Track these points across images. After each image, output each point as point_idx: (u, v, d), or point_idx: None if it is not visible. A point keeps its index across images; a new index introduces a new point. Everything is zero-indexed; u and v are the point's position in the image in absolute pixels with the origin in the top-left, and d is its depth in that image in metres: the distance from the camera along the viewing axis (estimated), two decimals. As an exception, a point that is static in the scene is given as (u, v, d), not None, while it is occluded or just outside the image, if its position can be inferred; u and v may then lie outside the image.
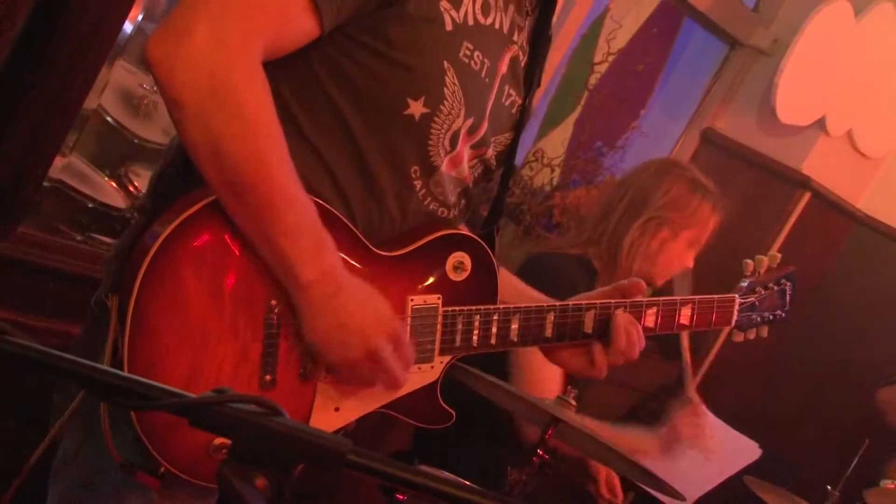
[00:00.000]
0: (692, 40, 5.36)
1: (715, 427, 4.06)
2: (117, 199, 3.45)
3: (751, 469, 4.12)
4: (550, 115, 4.96)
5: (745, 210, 4.88)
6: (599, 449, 3.23)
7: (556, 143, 5.03)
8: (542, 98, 4.79)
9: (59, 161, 3.16)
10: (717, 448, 4.06)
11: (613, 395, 4.70)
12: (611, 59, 5.05)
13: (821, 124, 5.27)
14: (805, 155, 5.34)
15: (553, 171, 4.85)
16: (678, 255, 3.68)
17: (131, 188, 3.51)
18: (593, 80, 5.05)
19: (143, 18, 3.30)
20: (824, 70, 5.14)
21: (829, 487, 4.15)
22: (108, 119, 3.43)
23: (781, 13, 5.33)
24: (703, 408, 3.78)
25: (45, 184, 3.14)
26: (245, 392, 1.77)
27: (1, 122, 2.82)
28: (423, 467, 3.09)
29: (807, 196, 5.39)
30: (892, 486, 4.76)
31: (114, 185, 3.49)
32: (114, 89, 3.39)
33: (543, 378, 3.38)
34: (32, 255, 3.09)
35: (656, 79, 5.33)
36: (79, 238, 3.32)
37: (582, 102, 5.07)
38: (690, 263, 3.72)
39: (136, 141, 3.53)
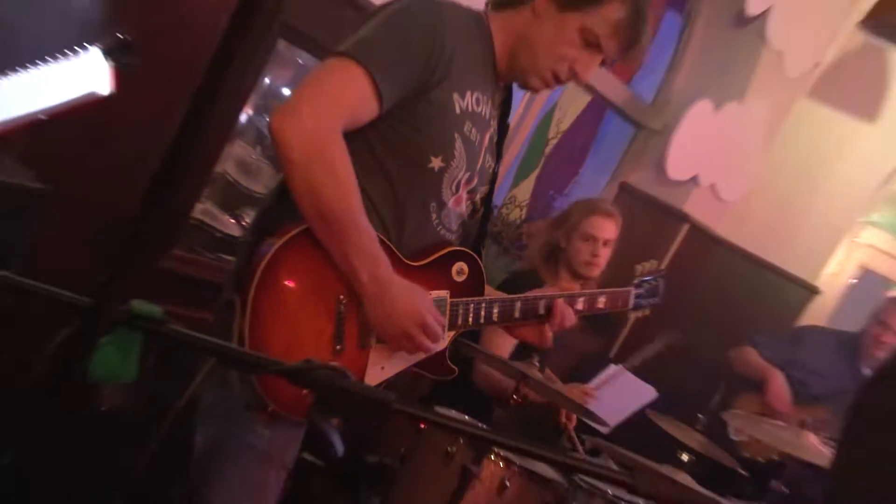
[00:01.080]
0: (612, 124, 5.39)
1: (627, 379, 4.08)
2: (235, 230, 3.49)
3: (650, 406, 4.13)
4: (520, 171, 5.01)
5: (645, 237, 4.91)
6: (552, 393, 3.25)
7: (525, 190, 5.08)
8: (514, 160, 4.83)
9: (198, 206, 3.22)
10: (627, 392, 4.08)
11: (563, 357, 4.71)
12: (560, 135, 5.09)
13: (695, 179, 5.30)
14: (685, 199, 5.37)
15: (522, 209, 4.89)
16: (572, 252, 3.77)
17: (243, 223, 3.56)
18: (548, 149, 5.08)
19: (253, 112, 3.35)
20: (697, 143, 5.17)
21: (699, 415, 4.13)
22: (229, 178, 3.50)
23: (668, 107, 5.34)
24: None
25: (191, 221, 3.22)
26: (322, 357, 1.91)
27: (171, 180, 2.84)
28: (437, 408, 3.14)
29: (686, 227, 5.42)
30: (737, 410, 4.76)
31: (232, 221, 3.54)
32: (233, 159, 3.45)
33: (502, 350, 3.41)
34: (181, 268, 3.16)
35: (589, 148, 5.36)
36: (210, 257, 3.37)
37: (541, 164, 5.10)
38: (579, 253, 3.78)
39: (246, 192, 3.59)
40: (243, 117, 3.30)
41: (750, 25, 5.05)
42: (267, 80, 3.61)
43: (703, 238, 5.60)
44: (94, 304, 1.11)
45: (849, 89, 5.71)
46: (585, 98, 5.13)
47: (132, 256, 1.02)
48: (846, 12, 5.34)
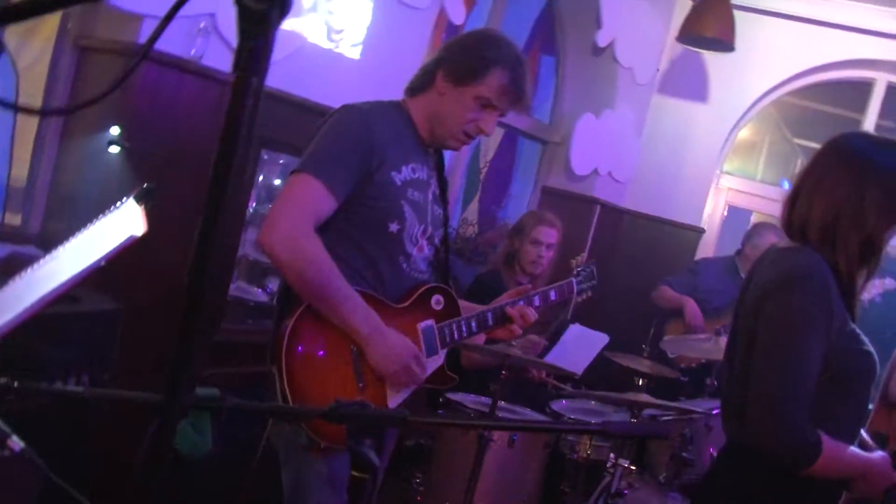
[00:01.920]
0: (524, 145, 5.35)
1: (585, 333, 4.02)
2: (264, 297, 3.38)
3: (606, 349, 4.08)
4: (465, 198, 4.94)
5: (571, 223, 4.85)
6: (528, 362, 3.20)
7: (473, 211, 5.01)
8: (459, 190, 4.76)
9: (232, 286, 3.12)
10: (587, 342, 4.02)
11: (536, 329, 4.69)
12: (487, 164, 5.03)
13: (596, 171, 5.25)
14: (592, 188, 5.31)
15: (474, 226, 4.82)
16: (523, 254, 3.70)
17: (269, 290, 3.43)
18: (482, 175, 5.03)
19: (256, 203, 3.25)
20: (590, 145, 5.13)
21: (644, 346, 4.11)
22: (249, 258, 3.38)
23: (562, 123, 5.28)
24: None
25: (228, 300, 3.10)
26: (350, 396, 1.87)
27: (203, 274, 2.76)
28: (449, 394, 3.05)
29: (598, 207, 5.37)
30: (668, 337, 4.71)
31: (260, 290, 3.42)
32: (249, 242, 3.34)
33: (476, 339, 3.34)
34: (232, 337, 3.05)
35: (512, 167, 5.30)
36: (251, 322, 3.27)
37: (479, 188, 5.04)
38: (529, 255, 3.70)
39: (265, 266, 3.45)
40: (250, 209, 3.21)
41: (604, 53, 5.05)
42: (261, 177, 3.54)
43: (612, 213, 5.57)
44: (166, 400, 1.06)
45: (683, 83, 5.73)
46: (500, 131, 5.06)
47: (187, 349, 0.96)
48: (667, 32, 5.51)
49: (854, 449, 1.84)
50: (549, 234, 3.72)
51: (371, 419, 1.12)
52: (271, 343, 2.01)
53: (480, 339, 3.32)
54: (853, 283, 1.82)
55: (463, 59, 2.12)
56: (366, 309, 2.02)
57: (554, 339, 3.85)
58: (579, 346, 3.92)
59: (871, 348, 1.84)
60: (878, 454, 1.89)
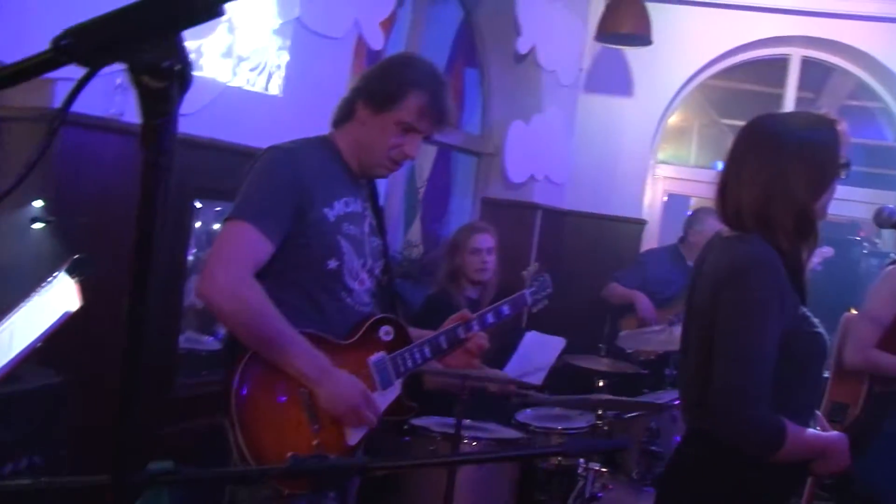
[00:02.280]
0: (459, 159, 5.38)
1: (541, 339, 4.04)
2: (216, 345, 3.29)
3: (564, 352, 4.09)
4: (407, 220, 4.94)
5: (514, 231, 4.89)
6: (488, 380, 3.21)
7: (416, 232, 5.01)
8: (399, 214, 4.76)
9: (181, 337, 3.07)
10: (543, 349, 4.03)
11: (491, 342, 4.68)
12: (425, 183, 5.05)
13: (532, 177, 5.28)
14: (532, 193, 5.34)
15: (418, 247, 4.82)
16: (467, 266, 3.71)
17: (220, 336, 3.36)
18: (420, 195, 5.03)
19: (196, 250, 3.20)
20: (523, 151, 5.16)
21: (601, 344, 4.13)
22: (197, 307, 3.30)
23: (493, 134, 5.31)
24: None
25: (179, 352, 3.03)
26: (307, 438, 1.99)
27: (139, 342, 2.71)
28: (414, 420, 3.03)
29: (540, 212, 5.40)
30: (623, 332, 4.75)
31: (211, 338, 3.33)
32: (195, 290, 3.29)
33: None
34: (189, 390, 2.98)
35: (449, 183, 5.32)
36: (204, 372, 3.18)
37: (419, 208, 5.04)
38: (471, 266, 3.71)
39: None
40: (190, 257, 3.16)
41: (527, 59, 5.09)
42: (199, 224, 3.49)
43: (554, 216, 5.61)
44: (114, 484, 1.01)
45: (607, 79, 5.82)
46: (433, 149, 5.08)
47: (130, 426, 0.93)
48: (586, 31, 5.59)
49: (813, 431, 1.87)
50: (485, 240, 3.76)
51: (330, 471, 1.08)
52: (222, 395, 1.98)
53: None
54: (799, 262, 1.85)
55: (380, 86, 2.13)
56: (312, 352, 2.00)
57: (510, 348, 3.86)
58: (537, 353, 3.94)
59: (822, 329, 1.88)
60: (835, 434, 1.92)
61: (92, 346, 2.54)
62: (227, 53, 2.88)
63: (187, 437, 2.63)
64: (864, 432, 2.83)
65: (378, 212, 2.30)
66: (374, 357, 2.15)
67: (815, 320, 1.88)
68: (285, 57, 3.14)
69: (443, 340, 2.29)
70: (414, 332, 2.30)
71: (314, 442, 2.01)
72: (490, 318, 2.40)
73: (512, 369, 3.83)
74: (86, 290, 2.47)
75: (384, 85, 2.12)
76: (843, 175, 1.88)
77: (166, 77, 0.70)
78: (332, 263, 2.07)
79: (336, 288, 2.10)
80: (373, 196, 2.30)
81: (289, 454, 1.93)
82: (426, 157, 5.04)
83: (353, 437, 2.08)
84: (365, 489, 3.70)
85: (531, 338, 4.04)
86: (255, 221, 1.96)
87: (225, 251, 1.96)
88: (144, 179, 0.75)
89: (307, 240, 2.04)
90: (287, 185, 2.01)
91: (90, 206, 2.51)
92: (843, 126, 1.92)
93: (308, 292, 2.07)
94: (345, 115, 2.19)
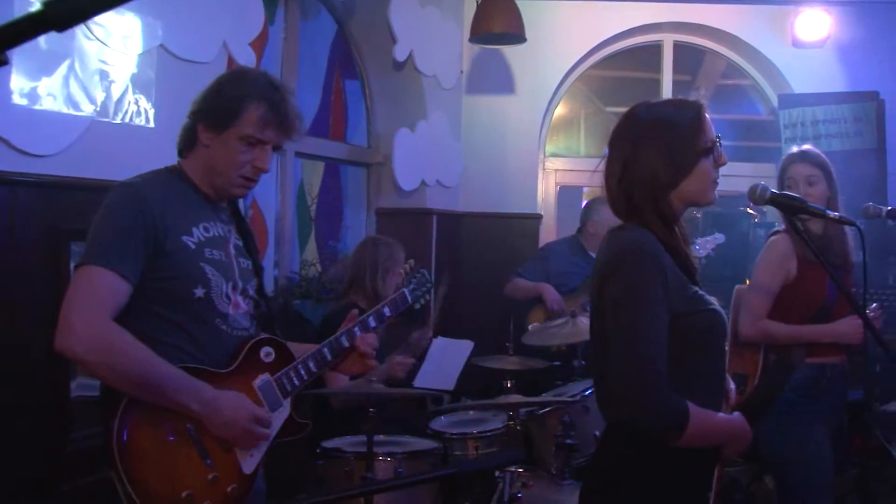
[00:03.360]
0: (348, 172, 5.34)
1: (448, 344, 4.05)
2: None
3: (472, 354, 4.12)
4: (300, 240, 4.87)
5: (411, 238, 4.87)
6: (395, 394, 3.19)
7: (311, 251, 4.95)
8: (292, 235, 4.70)
9: (73, 383, 2.94)
10: (452, 353, 4.05)
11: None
12: (315, 200, 4.99)
13: (424, 183, 5.31)
14: (425, 199, 5.37)
15: (315, 265, 4.77)
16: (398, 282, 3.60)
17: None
18: (312, 213, 4.98)
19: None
20: (411, 158, 5.19)
21: (508, 343, 4.15)
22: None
23: (380, 143, 5.32)
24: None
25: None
26: (201, 475, 1.97)
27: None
28: (324, 442, 2.99)
29: (435, 217, 5.41)
30: (531, 326, 4.81)
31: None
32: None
33: (341, 379, 3.30)
34: (86, 442, 2.86)
35: (340, 198, 5.28)
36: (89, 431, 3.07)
37: (313, 226, 4.99)
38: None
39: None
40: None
41: (406, 66, 5.12)
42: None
43: (449, 219, 5.65)
44: None
45: (489, 79, 5.90)
46: (320, 165, 5.04)
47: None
48: (461, 34, 5.65)
49: (718, 414, 1.90)
50: (402, 256, 3.75)
51: None
52: (105, 447, 1.92)
53: (345, 378, 3.31)
54: (677, 245, 1.90)
55: (214, 105, 2.10)
56: (192, 383, 1.97)
57: (420, 355, 3.86)
58: (446, 358, 3.97)
59: (717, 306, 1.93)
60: (735, 414, 1.97)
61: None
62: (86, 87, 2.80)
63: (87, 493, 2.53)
64: (763, 400, 2.95)
65: (245, 232, 2.27)
66: (259, 380, 2.13)
67: (710, 298, 1.92)
68: (152, 86, 3.06)
69: (327, 352, 2.27)
70: (295, 347, 2.27)
71: (209, 476, 1.98)
72: (372, 322, 2.39)
73: (423, 376, 3.84)
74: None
75: (220, 103, 2.10)
76: (710, 156, 1.91)
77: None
78: (199, 292, 2.03)
79: (208, 316, 2.06)
80: (237, 217, 2.27)
81: (183, 493, 1.91)
82: (314, 172, 4.99)
83: (249, 464, 2.06)
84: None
85: (439, 342, 4.06)
86: (108, 264, 1.91)
87: (79, 299, 1.89)
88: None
89: (168, 272, 2.00)
90: (137, 221, 1.96)
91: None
92: (704, 104, 1.96)
93: (180, 326, 2.03)
94: (188, 142, 2.15)
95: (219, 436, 1.99)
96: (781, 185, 3.05)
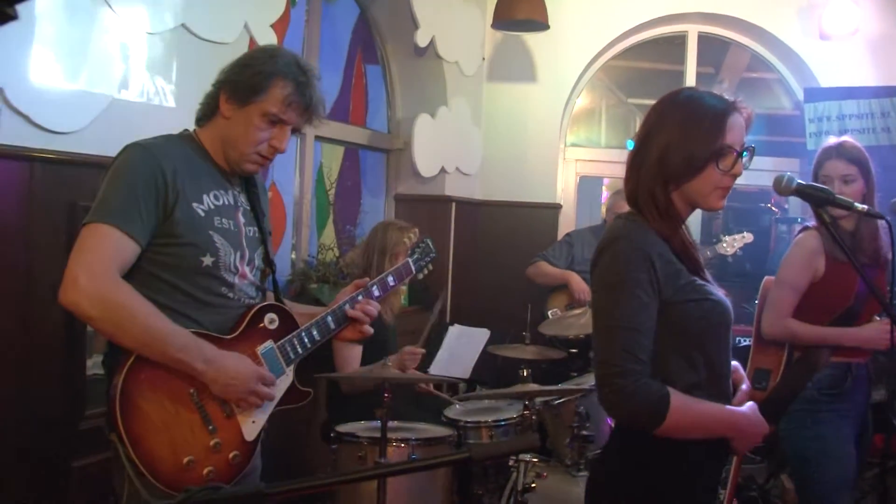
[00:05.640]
0: (368, 158, 5.31)
1: (465, 332, 4.03)
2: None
3: (488, 343, 4.09)
4: (318, 224, 4.85)
5: (429, 226, 4.86)
6: (409, 379, 3.21)
7: (329, 235, 4.93)
8: (311, 219, 4.69)
9: (89, 362, 2.94)
10: (469, 341, 4.02)
11: (413, 341, 4.66)
12: (334, 184, 4.97)
13: (443, 170, 5.28)
14: (444, 186, 5.34)
15: (333, 249, 4.75)
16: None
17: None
18: (331, 198, 4.96)
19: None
20: (432, 145, 5.14)
21: (524, 333, 4.13)
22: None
23: (400, 130, 5.30)
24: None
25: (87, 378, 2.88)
26: (202, 441, 1.95)
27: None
28: (339, 426, 2.99)
29: (453, 205, 5.40)
30: (551, 312, 4.77)
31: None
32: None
33: (352, 360, 3.29)
34: (94, 419, 2.86)
35: (359, 183, 5.26)
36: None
37: (331, 211, 4.98)
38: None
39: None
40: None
41: (427, 52, 5.08)
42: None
43: (467, 207, 5.63)
44: None
45: (510, 67, 5.85)
46: (340, 149, 5.02)
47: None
48: (484, 20, 5.60)
49: (711, 403, 1.82)
50: (415, 238, 3.69)
51: (227, 501, 1.01)
52: (106, 408, 1.90)
53: (356, 354, 3.30)
54: (675, 238, 1.84)
55: (242, 77, 2.07)
56: (195, 341, 1.94)
57: (434, 343, 3.84)
58: (462, 346, 3.94)
59: (719, 296, 1.86)
60: (747, 404, 1.91)
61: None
62: (107, 65, 2.78)
63: (101, 469, 2.52)
64: (785, 397, 2.90)
65: (253, 197, 2.23)
66: (262, 347, 2.11)
67: (713, 289, 1.86)
68: (172, 66, 3.04)
69: (330, 321, 2.24)
70: (299, 311, 2.25)
71: (211, 443, 1.96)
72: (376, 291, 2.37)
73: (438, 364, 3.81)
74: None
75: (247, 76, 2.07)
76: (724, 160, 1.81)
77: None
78: (207, 259, 2.01)
79: (214, 285, 2.04)
80: (249, 187, 2.24)
81: (185, 459, 1.89)
82: (333, 156, 4.97)
83: (250, 431, 2.05)
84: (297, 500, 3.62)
85: (455, 331, 4.04)
86: (117, 222, 1.88)
87: (85, 254, 1.86)
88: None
89: (177, 238, 1.97)
90: (148, 182, 1.93)
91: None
92: (743, 108, 1.86)
93: (186, 293, 2.01)
94: (209, 111, 2.13)
95: (222, 395, 1.97)
96: (816, 180, 2.92)
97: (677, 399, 1.73)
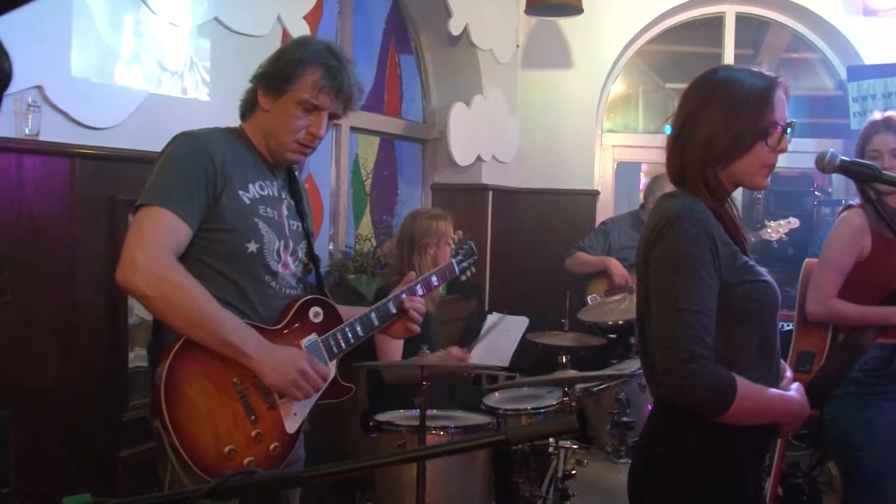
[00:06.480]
0: (404, 148, 5.32)
1: (504, 320, 4.01)
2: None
3: (527, 331, 4.07)
4: (356, 214, 4.87)
5: (467, 214, 4.85)
6: (447, 367, 3.20)
7: (366, 226, 4.95)
8: (348, 210, 4.70)
9: (130, 355, 2.98)
10: (507, 329, 4.00)
11: (453, 328, 4.67)
12: (370, 175, 4.98)
13: (479, 158, 5.26)
14: (480, 175, 5.33)
15: (370, 240, 4.76)
16: (443, 256, 3.52)
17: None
18: (367, 188, 4.97)
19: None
20: (467, 134, 5.14)
21: (563, 320, 4.10)
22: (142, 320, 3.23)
23: (435, 119, 5.30)
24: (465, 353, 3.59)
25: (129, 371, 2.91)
26: (245, 430, 1.95)
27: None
28: (378, 415, 3.00)
29: (490, 193, 5.38)
30: (591, 297, 4.73)
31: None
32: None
33: (393, 353, 3.29)
34: (136, 411, 2.90)
35: (395, 173, 5.26)
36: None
37: (368, 201, 4.99)
38: (448, 253, 3.51)
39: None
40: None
41: (461, 41, 5.06)
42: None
43: (505, 196, 5.60)
44: None
45: (545, 53, 5.81)
46: (376, 140, 5.03)
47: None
48: (517, 6, 5.57)
49: (768, 389, 1.79)
50: (450, 228, 3.68)
51: (262, 486, 1.00)
52: (150, 396, 1.92)
53: (398, 347, 3.30)
54: (725, 216, 1.81)
55: (275, 69, 2.12)
56: (245, 327, 1.97)
57: (472, 332, 3.83)
58: (500, 334, 3.91)
59: (768, 277, 1.83)
60: (793, 387, 1.88)
61: (32, 372, 2.48)
62: (143, 60, 2.81)
63: (144, 459, 2.56)
64: (829, 380, 2.84)
65: (296, 193, 2.26)
66: (307, 340, 2.11)
67: (761, 269, 1.83)
68: (206, 60, 3.06)
69: (374, 318, 2.25)
70: (343, 310, 2.25)
71: (253, 433, 1.97)
72: (420, 290, 2.38)
73: (477, 352, 3.80)
74: (20, 315, 2.42)
75: (279, 67, 2.11)
76: (771, 137, 1.79)
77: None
78: (252, 246, 2.03)
79: (259, 272, 2.07)
80: (291, 182, 2.27)
81: (227, 448, 1.90)
82: (369, 147, 4.98)
83: (292, 424, 2.05)
84: (340, 488, 3.66)
85: (493, 319, 4.01)
86: (170, 205, 1.92)
87: (142, 236, 1.90)
88: None
89: (224, 224, 2.00)
90: (199, 168, 1.98)
91: (7, 234, 2.41)
92: (783, 82, 1.84)
93: (231, 280, 2.03)
94: (249, 107, 2.18)
95: (272, 380, 1.98)
96: (862, 157, 2.84)
97: (742, 385, 1.70)
